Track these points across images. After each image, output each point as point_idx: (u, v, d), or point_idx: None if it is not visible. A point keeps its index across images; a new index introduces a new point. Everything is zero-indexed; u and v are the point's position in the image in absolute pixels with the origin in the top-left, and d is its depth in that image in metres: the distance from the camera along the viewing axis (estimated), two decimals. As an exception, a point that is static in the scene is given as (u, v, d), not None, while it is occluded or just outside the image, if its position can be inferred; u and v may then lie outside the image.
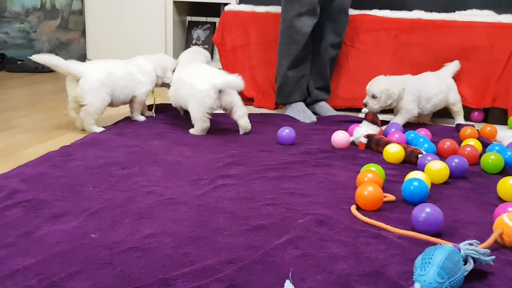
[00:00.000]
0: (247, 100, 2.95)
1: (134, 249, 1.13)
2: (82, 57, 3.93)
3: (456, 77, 2.60)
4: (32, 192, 1.43)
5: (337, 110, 2.81)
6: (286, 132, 2.09)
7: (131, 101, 2.36)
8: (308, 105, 2.77)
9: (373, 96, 2.34)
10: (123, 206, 1.38)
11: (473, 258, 1.05)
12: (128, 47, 3.70)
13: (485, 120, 2.77)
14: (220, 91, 2.15)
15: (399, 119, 2.41)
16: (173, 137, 2.15)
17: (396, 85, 2.35)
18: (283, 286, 0.96)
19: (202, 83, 2.15)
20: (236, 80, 2.13)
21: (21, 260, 1.08)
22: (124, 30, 3.74)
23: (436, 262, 0.98)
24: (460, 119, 2.58)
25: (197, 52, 2.53)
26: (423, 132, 2.18)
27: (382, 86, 2.33)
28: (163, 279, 1.01)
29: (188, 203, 1.41)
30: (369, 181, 1.50)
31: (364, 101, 2.39)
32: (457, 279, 0.98)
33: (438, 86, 2.49)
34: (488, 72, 2.67)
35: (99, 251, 1.12)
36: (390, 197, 1.50)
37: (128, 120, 2.42)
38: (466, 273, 1.02)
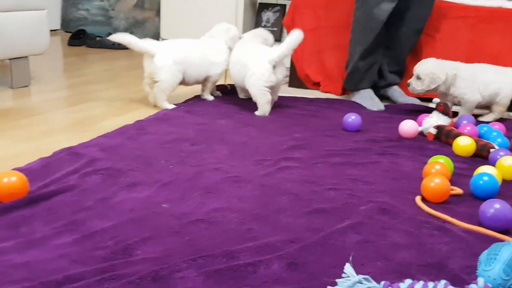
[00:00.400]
0: (313, 84, 2.95)
1: (201, 221, 1.20)
2: (156, 36, 4.07)
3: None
4: (110, 161, 1.54)
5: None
6: (352, 118, 2.08)
7: (204, 80, 2.44)
8: (381, 88, 2.73)
9: (418, 77, 2.26)
10: (191, 180, 1.44)
11: None
12: (199, 27, 3.77)
13: None
14: (274, 67, 2.22)
15: (463, 111, 2.31)
16: (239, 117, 2.21)
17: (443, 70, 2.24)
18: (343, 269, 0.98)
19: (258, 59, 2.22)
20: (295, 36, 2.24)
21: (99, 223, 1.17)
22: (197, 11, 3.83)
23: (502, 258, 0.96)
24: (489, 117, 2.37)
25: (257, 35, 2.56)
26: (496, 126, 2.08)
27: (428, 68, 2.24)
28: (227, 251, 1.06)
29: (252, 182, 1.46)
30: (437, 173, 1.47)
31: (409, 81, 2.31)
32: None
33: (495, 73, 2.32)
34: None
35: (169, 220, 1.20)
36: (458, 190, 1.46)
37: (198, 98, 2.50)
38: None
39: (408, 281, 0.92)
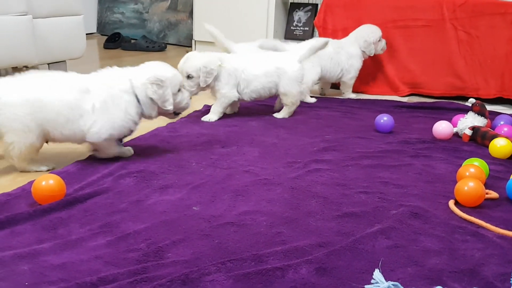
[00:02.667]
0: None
1: (231, 224, 1.21)
2: (189, 38, 4.12)
3: None
4: (143, 164, 1.58)
5: (443, 98, 2.68)
6: (384, 119, 2.05)
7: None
8: None
9: (189, 76, 2.05)
10: (222, 183, 1.46)
11: None
12: (232, 27, 3.81)
13: None
14: None
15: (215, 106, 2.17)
16: (269, 119, 2.21)
17: (215, 61, 2.07)
18: (372, 274, 0.97)
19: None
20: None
21: (132, 225, 1.20)
22: (228, 12, 3.85)
23: None
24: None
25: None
26: None
27: (198, 64, 2.04)
28: (256, 255, 1.07)
29: (282, 185, 1.46)
30: (471, 176, 1.44)
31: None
32: None
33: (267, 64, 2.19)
34: None
35: (199, 223, 1.22)
36: (493, 194, 1.42)
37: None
38: None
39: None
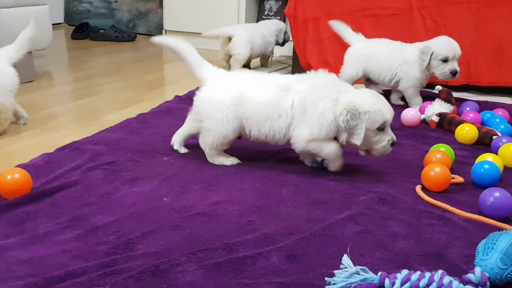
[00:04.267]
0: (317, 73, 2.94)
1: (202, 214, 1.21)
2: (159, 27, 4.07)
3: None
4: (113, 156, 1.56)
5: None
6: (354, 107, 2.07)
7: None
8: None
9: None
10: (193, 174, 1.46)
11: None
12: (202, 17, 3.78)
13: None
14: None
15: None
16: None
17: None
18: (341, 260, 0.99)
19: None
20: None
21: (102, 218, 1.19)
22: (199, 0, 3.81)
23: (500, 248, 0.96)
24: None
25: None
26: (500, 112, 2.07)
27: None
28: (227, 244, 1.07)
29: (254, 174, 1.47)
30: (437, 162, 1.47)
31: None
32: None
33: None
34: None
35: (170, 214, 1.21)
36: (459, 178, 1.46)
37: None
38: None
39: (405, 272, 0.93)
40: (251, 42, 2.92)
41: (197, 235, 1.12)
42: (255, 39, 2.96)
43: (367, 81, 2.49)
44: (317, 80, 1.49)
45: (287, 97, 1.46)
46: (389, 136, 1.44)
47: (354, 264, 0.96)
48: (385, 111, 1.42)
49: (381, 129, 1.42)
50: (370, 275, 0.94)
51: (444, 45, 2.16)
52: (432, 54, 2.14)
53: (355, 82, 2.40)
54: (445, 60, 2.13)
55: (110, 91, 2.49)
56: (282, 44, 3.19)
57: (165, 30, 3.98)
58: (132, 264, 1.00)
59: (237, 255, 1.03)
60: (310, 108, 1.44)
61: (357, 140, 1.40)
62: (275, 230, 1.15)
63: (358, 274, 0.94)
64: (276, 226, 1.17)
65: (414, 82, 2.21)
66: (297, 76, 1.53)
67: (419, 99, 2.24)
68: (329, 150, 1.46)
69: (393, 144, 1.45)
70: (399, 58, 2.25)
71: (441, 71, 2.15)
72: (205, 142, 1.53)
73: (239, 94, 1.48)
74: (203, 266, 0.99)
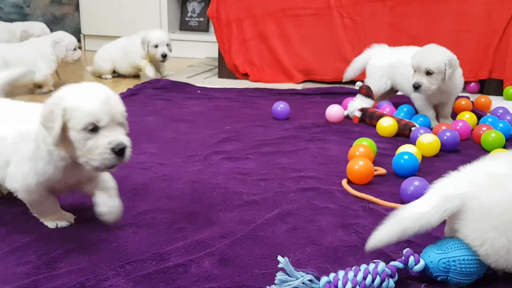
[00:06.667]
0: (242, 75, 2.95)
1: (129, 225, 1.17)
2: (77, 32, 3.90)
3: (455, 50, 2.38)
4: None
5: (334, 83, 2.81)
6: (281, 106, 2.11)
7: None
8: None
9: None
10: (118, 183, 1.39)
11: None
12: (122, 20, 3.67)
13: (481, 91, 2.77)
14: None
15: None
16: (167, 113, 2.17)
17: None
18: (273, 259, 0.99)
19: None
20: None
21: (20, 237, 1.11)
22: (119, 3, 3.70)
23: (451, 255, 0.95)
24: None
25: None
26: (388, 108, 2.11)
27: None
28: (157, 253, 1.04)
29: (183, 180, 1.44)
30: (361, 155, 1.52)
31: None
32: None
33: None
34: (485, 44, 2.66)
35: (94, 227, 1.16)
36: (381, 170, 1.52)
37: (123, 96, 2.43)
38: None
39: (342, 273, 0.92)
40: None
41: (125, 247, 1.08)
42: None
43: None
44: None
45: None
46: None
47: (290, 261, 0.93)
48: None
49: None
50: (315, 285, 0.91)
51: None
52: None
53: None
54: None
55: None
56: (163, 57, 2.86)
57: (83, 35, 3.82)
58: (55, 283, 0.94)
59: (168, 264, 1.00)
60: None
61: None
62: (206, 235, 1.13)
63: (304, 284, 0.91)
64: (208, 231, 1.15)
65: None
66: None
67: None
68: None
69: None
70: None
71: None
72: None
73: None
74: (132, 278, 0.95)
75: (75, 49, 2.62)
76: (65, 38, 2.61)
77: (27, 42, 2.68)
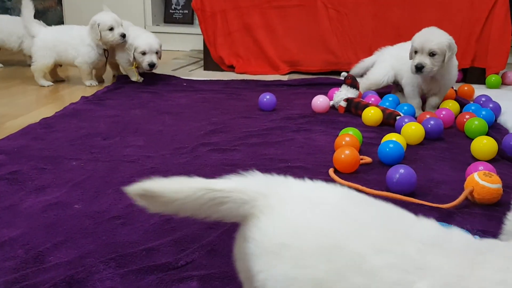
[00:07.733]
0: (228, 67, 2.95)
1: (117, 218, 1.17)
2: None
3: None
4: (15, 165, 1.45)
5: (319, 74, 2.82)
6: (267, 98, 2.11)
7: None
8: None
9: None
10: (105, 177, 1.40)
11: None
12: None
13: (464, 79, 2.81)
14: None
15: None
16: (154, 106, 2.16)
17: None
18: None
19: None
20: None
21: (7, 232, 1.10)
22: (102, -4, 3.66)
23: None
24: None
25: None
26: (373, 98, 2.12)
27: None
28: (146, 245, 1.04)
29: (170, 172, 1.44)
30: (347, 145, 1.54)
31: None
32: None
33: None
34: (467, 33, 2.69)
35: (82, 221, 1.15)
36: (367, 159, 1.54)
37: (108, 90, 2.41)
38: None
39: None
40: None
41: (114, 240, 1.08)
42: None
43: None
44: None
45: None
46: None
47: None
48: None
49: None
50: None
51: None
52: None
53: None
54: None
55: (7, 97, 2.31)
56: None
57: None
58: (44, 277, 0.94)
59: (157, 256, 1.00)
60: None
61: None
62: (195, 227, 1.14)
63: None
64: (196, 223, 1.15)
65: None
66: None
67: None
68: None
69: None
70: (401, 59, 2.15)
71: None
72: None
73: None
74: (122, 271, 0.95)
75: (111, 29, 2.37)
76: (99, 19, 2.38)
77: (76, 27, 2.53)
